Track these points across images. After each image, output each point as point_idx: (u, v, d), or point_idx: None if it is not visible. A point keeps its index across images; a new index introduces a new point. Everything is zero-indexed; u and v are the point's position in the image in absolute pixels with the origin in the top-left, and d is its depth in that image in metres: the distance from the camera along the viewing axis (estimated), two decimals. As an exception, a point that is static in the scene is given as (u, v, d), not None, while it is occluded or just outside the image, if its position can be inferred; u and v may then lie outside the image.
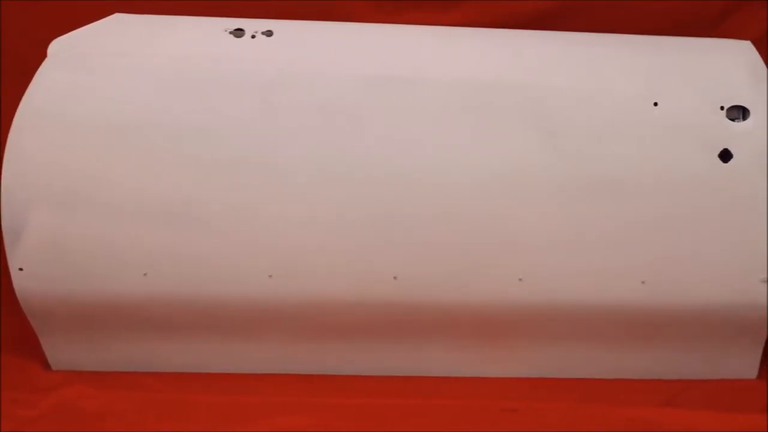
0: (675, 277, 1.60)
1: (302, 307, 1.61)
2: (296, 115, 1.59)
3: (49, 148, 1.57)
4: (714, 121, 1.61)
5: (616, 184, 1.59)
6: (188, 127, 1.58)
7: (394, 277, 1.59)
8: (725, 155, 1.59)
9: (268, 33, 1.67)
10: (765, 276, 1.60)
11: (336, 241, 1.58)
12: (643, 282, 1.60)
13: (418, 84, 1.62)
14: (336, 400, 1.59)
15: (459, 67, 1.64)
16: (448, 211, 1.58)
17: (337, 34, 1.71)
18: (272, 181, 1.57)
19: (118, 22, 1.70)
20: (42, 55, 1.63)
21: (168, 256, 1.58)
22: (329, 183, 1.57)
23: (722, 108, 1.61)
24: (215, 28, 1.68)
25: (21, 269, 1.57)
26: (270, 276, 1.59)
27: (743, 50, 1.71)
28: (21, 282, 1.58)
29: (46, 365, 1.67)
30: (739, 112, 1.62)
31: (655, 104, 1.61)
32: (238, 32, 1.67)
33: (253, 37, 1.67)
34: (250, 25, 1.68)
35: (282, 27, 1.69)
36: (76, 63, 1.62)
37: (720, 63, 1.68)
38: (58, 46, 1.64)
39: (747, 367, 1.70)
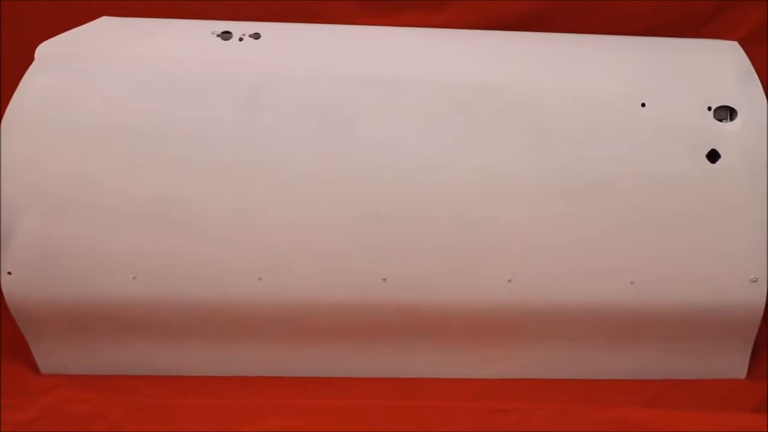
0: (663, 278, 1.61)
1: (292, 309, 1.61)
2: (284, 118, 1.59)
3: (36, 151, 1.56)
4: (701, 121, 1.61)
5: (605, 185, 1.59)
6: (176, 130, 1.58)
7: (384, 279, 1.59)
8: (713, 156, 1.60)
9: (256, 36, 1.67)
10: (753, 276, 1.60)
11: (325, 244, 1.58)
12: (631, 282, 1.61)
13: (406, 86, 1.62)
14: (326, 402, 1.59)
15: (447, 69, 1.64)
16: (437, 213, 1.59)
17: (325, 37, 1.71)
18: (260, 183, 1.57)
19: (105, 25, 1.70)
20: (29, 59, 1.63)
21: (156, 259, 1.58)
22: (318, 185, 1.57)
23: (710, 108, 1.62)
24: (203, 30, 1.68)
25: (9, 273, 1.57)
26: (259, 278, 1.59)
27: (730, 51, 1.72)
28: (10, 286, 1.58)
29: (35, 369, 1.67)
30: (726, 113, 1.62)
31: (643, 105, 1.62)
32: (226, 35, 1.67)
33: (240, 39, 1.67)
34: (237, 27, 1.68)
35: (269, 29, 1.69)
36: (64, 66, 1.61)
37: (707, 63, 1.69)
38: (45, 50, 1.64)
39: (736, 367, 1.70)
